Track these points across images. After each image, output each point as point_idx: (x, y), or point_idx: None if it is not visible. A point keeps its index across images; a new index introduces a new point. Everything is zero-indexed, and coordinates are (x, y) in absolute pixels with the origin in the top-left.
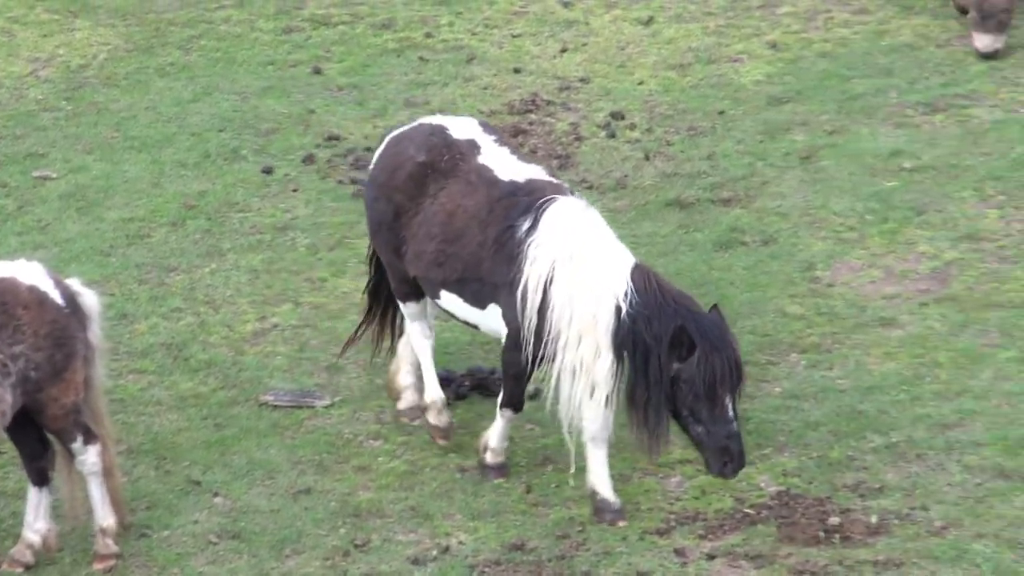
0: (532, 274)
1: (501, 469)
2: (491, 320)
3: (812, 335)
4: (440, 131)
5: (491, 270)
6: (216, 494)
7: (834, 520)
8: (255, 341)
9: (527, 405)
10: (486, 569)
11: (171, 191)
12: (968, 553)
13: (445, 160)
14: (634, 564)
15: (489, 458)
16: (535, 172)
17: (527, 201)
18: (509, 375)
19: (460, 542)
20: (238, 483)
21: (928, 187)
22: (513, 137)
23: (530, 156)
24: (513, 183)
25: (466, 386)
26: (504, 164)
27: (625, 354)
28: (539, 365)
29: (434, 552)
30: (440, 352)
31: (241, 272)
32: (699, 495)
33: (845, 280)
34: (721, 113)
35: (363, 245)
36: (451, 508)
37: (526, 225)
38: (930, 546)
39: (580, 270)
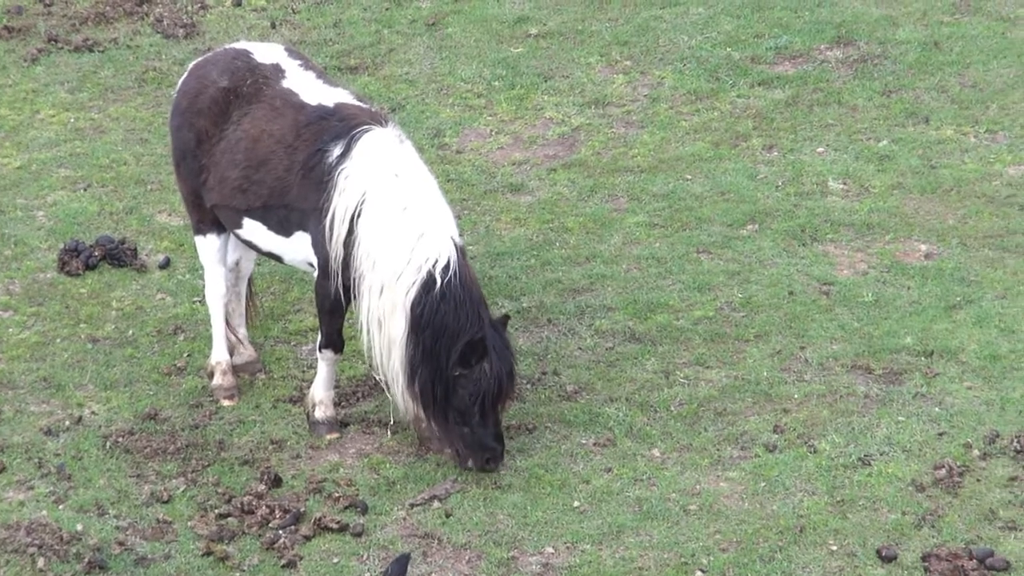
0: (340, 204)
1: (333, 424)
2: (296, 248)
3: None
4: (244, 55)
5: (299, 196)
6: None
7: None
8: None
9: (161, 274)
10: (120, 439)
11: None
12: (601, 416)
13: (248, 85)
14: (268, 432)
15: (319, 413)
16: (344, 96)
17: (339, 127)
18: (323, 310)
19: (93, 412)
20: None
21: (555, 53)
22: (138, 7)
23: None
24: (321, 107)
25: (96, 256)
26: (310, 88)
27: (421, 330)
28: (352, 299)
29: (67, 423)
30: (69, 222)
31: None
32: None
33: (474, 147)
34: None
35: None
36: (83, 379)
37: (337, 151)
38: (563, 410)
39: (392, 214)
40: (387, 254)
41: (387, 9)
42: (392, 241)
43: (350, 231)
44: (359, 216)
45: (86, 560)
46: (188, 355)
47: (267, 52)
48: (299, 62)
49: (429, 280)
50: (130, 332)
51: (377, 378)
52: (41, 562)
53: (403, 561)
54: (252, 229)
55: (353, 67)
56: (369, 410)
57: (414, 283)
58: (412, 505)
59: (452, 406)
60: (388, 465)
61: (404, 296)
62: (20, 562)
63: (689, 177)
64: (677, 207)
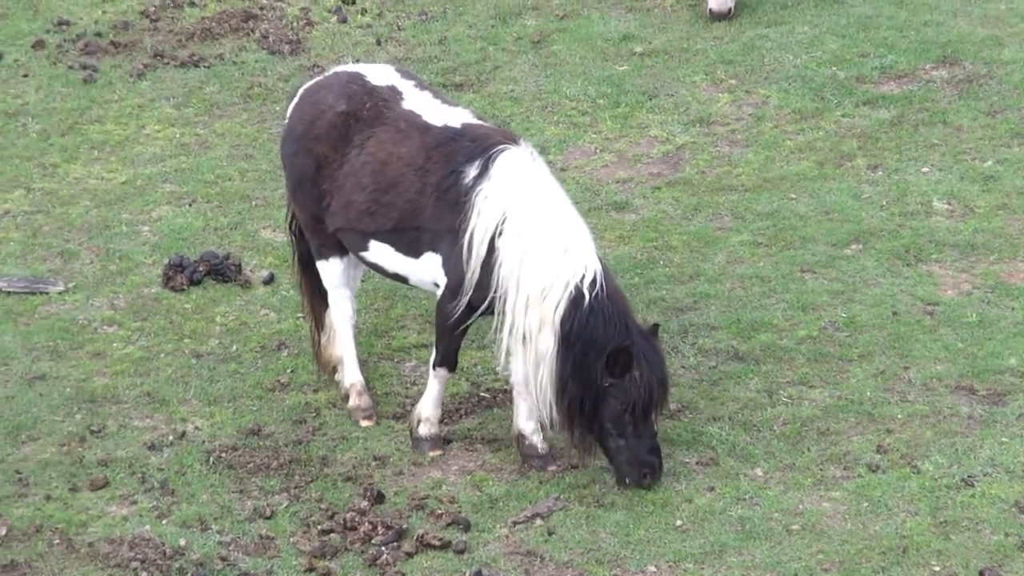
0: (479, 225)
1: (436, 441)
2: (424, 269)
3: None
4: (358, 79)
5: (432, 217)
6: None
7: None
8: None
9: (265, 289)
10: (223, 454)
11: None
12: (704, 435)
13: (368, 108)
14: (371, 449)
15: (423, 430)
16: (467, 116)
17: (472, 147)
18: (445, 328)
19: (196, 427)
20: None
21: (659, 71)
22: (244, 23)
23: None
24: (448, 128)
25: (200, 271)
26: (432, 109)
27: (571, 345)
28: (476, 316)
29: (171, 437)
30: (174, 237)
31: None
32: None
33: (578, 164)
34: None
35: (94, 131)
36: (187, 394)
37: (474, 172)
38: (666, 428)
39: (535, 233)
40: (532, 272)
41: (492, 27)
42: (536, 258)
43: (490, 251)
44: (500, 235)
45: (189, 575)
46: (291, 371)
47: (380, 74)
48: (413, 83)
49: (577, 295)
50: (234, 347)
51: (510, 388)
52: None
53: None
54: (379, 252)
55: (458, 84)
56: (472, 427)
57: (562, 299)
58: (515, 523)
59: (602, 418)
60: (491, 482)
61: (552, 312)
62: None
63: (793, 196)
64: (781, 226)
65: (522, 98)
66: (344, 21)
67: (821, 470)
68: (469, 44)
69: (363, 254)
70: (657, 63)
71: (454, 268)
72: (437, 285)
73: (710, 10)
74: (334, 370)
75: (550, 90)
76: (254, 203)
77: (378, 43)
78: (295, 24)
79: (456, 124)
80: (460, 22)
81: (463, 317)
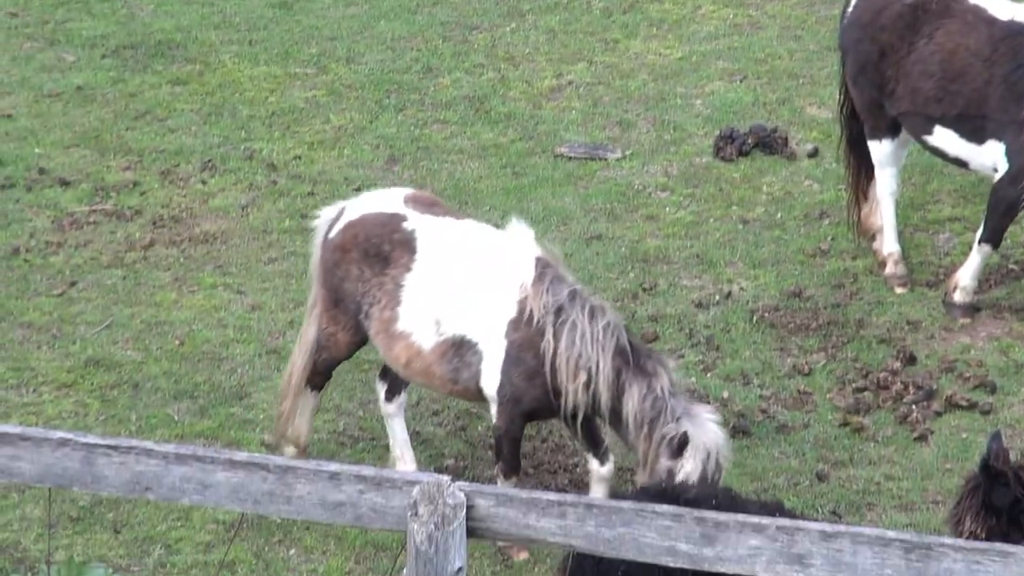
0: None
1: (968, 309)
2: (985, 155)
3: None
4: None
5: (997, 107)
6: None
7: None
8: (551, 96)
9: (809, 162)
10: (765, 314)
11: None
12: None
13: (936, 1)
14: (904, 314)
15: (958, 296)
16: None
17: None
18: (998, 210)
19: (741, 288)
20: (535, 228)
21: None
22: None
23: None
24: (1014, 22)
25: (749, 143)
26: (997, 4)
27: None
28: None
29: (717, 297)
30: (725, 111)
31: (539, 32)
32: (966, 251)
33: None
34: None
35: (653, 10)
36: (733, 256)
37: None
38: None
39: None
40: None
41: None
42: None
43: None
44: None
45: (731, 425)
46: (832, 239)
47: None
48: None
49: None
50: (778, 215)
51: None
52: None
53: (996, 437)
54: (943, 136)
55: None
56: (1000, 296)
57: None
58: None
59: None
60: (1017, 349)
61: None
62: None
63: None
64: None
65: None
66: None
67: None
68: None
69: (926, 137)
70: None
71: (1016, 156)
72: (996, 170)
73: None
74: (872, 238)
75: None
76: (801, 81)
77: None
78: None
79: (1022, 19)
80: None
81: (1018, 202)
